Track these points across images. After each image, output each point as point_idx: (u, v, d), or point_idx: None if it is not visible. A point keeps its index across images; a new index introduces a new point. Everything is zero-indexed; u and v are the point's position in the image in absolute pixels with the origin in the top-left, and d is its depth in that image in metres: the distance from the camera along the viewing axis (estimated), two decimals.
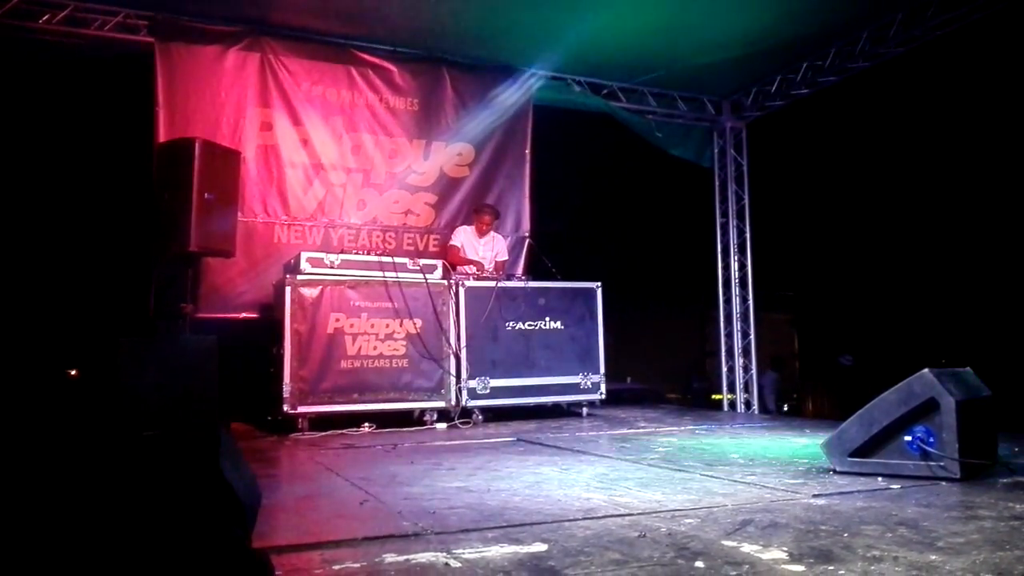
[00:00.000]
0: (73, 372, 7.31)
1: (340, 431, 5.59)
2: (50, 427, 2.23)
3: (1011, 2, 6.38)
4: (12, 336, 6.76)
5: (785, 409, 12.59)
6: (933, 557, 2.17)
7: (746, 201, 9.09)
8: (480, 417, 6.18)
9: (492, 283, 6.40)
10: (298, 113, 7.23)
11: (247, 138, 6.96)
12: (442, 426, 5.95)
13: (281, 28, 7.15)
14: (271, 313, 6.21)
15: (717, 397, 9.64)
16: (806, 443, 4.65)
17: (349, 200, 7.40)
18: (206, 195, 5.69)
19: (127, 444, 2.02)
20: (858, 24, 7.38)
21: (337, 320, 5.80)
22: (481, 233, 7.08)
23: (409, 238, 7.64)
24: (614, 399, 7.30)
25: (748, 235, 9.05)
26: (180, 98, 6.74)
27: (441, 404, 6.07)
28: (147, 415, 2.06)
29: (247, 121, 7.03)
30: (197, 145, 5.70)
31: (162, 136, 6.51)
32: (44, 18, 6.45)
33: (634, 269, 11.31)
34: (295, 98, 7.22)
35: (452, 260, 6.70)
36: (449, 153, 7.83)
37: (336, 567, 2.15)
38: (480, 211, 7.19)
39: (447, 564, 2.16)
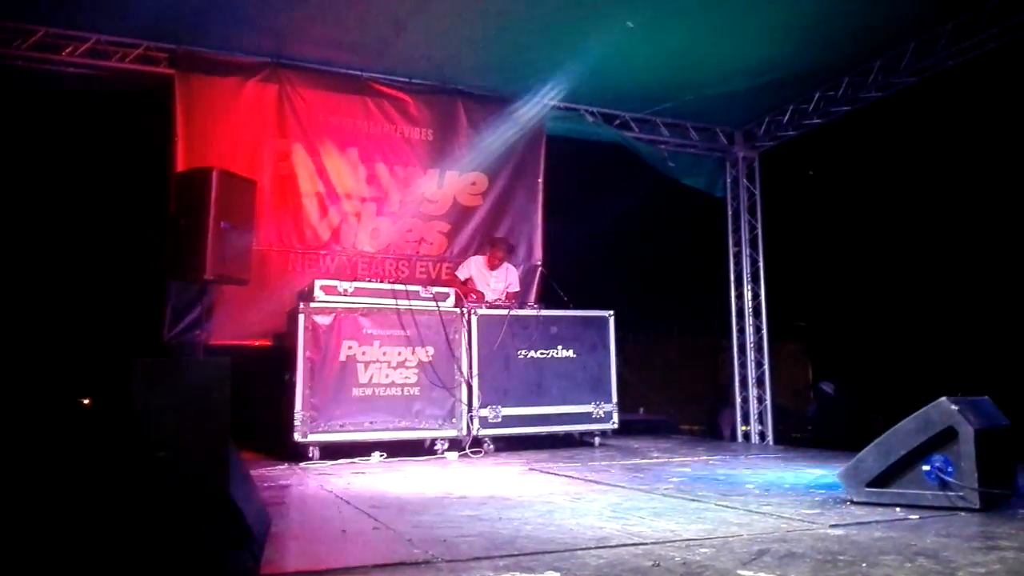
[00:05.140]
0: (86, 401, 7.33)
1: (351, 459, 5.57)
2: (63, 450, 2.24)
3: None
4: (27, 360, 6.81)
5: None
6: None
7: (759, 230, 9.08)
8: (492, 446, 6.14)
9: (504, 311, 6.40)
10: (314, 143, 7.32)
11: (264, 168, 7.04)
12: (453, 455, 5.92)
13: (299, 60, 7.28)
14: (284, 340, 6.23)
15: (743, 428, 9.31)
16: (822, 473, 4.59)
17: (363, 229, 7.46)
18: (222, 224, 5.75)
19: (139, 465, 2.02)
20: (870, 54, 7.41)
21: (350, 348, 5.81)
22: (493, 266, 7.10)
23: (422, 266, 7.67)
24: (627, 429, 7.24)
25: (761, 264, 9.02)
26: (198, 128, 6.84)
27: (453, 433, 6.04)
28: (159, 436, 2.07)
29: (264, 151, 7.13)
30: (214, 174, 5.77)
31: (180, 165, 6.61)
32: (67, 50, 6.59)
33: (647, 298, 11.26)
34: (311, 128, 7.32)
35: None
36: (463, 182, 7.89)
37: None
38: (495, 245, 7.22)
39: None
